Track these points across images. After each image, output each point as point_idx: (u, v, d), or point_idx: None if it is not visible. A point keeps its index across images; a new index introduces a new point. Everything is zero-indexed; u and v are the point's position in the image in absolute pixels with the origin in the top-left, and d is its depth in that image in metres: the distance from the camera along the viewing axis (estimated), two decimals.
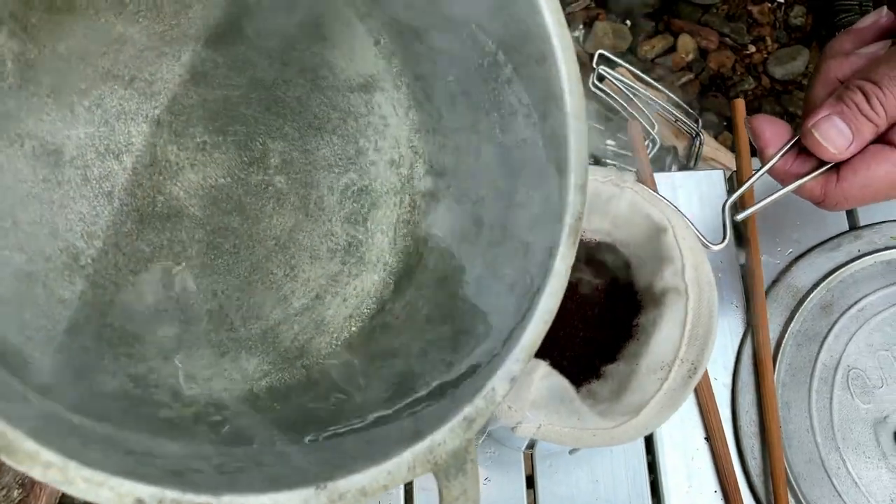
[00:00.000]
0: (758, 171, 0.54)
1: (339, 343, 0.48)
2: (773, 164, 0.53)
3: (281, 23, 0.45)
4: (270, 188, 0.47)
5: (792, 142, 0.53)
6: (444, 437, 0.36)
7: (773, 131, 0.53)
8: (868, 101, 0.49)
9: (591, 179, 0.55)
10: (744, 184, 0.54)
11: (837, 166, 0.52)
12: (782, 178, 0.53)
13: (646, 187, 0.58)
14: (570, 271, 0.39)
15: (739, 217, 0.55)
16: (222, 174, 0.45)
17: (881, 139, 0.51)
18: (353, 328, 0.48)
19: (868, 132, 0.50)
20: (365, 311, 0.49)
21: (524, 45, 0.39)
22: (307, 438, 0.40)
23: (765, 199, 0.54)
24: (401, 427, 0.39)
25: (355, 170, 0.48)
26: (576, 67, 0.39)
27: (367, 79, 0.47)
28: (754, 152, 0.57)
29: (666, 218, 0.56)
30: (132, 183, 0.43)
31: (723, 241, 0.54)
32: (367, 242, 0.49)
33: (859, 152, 0.51)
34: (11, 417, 0.29)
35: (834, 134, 0.50)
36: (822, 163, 0.52)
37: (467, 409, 0.36)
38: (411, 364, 0.44)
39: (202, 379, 0.44)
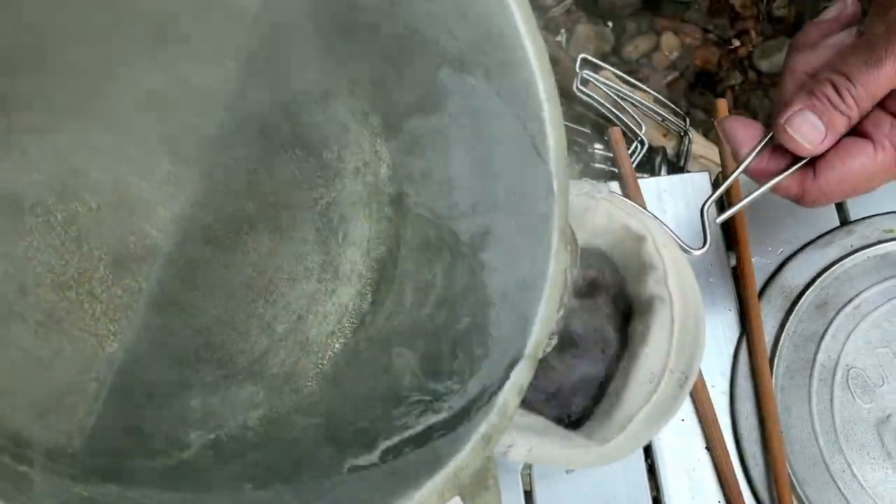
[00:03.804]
0: (733, 172, 0.53)
1: (325, 362, 0.47)
2: (748, 164, 0.52)
3: (236, 37, 0.43)
4: (241, 214, 0.45)
5: (765, 140, 0.52)
6: (467, 458, 0.36)
7: (745, 132, 0.53)
8: (839, 93, 0.48)
9: None
10: (718, 185, 0.54)
11: (813, 162, 0.51)
12: (758, 177, 0.53)
13: (622, 197, 0.57)
14: (566, 274, 0.39)
15: (719, 220, 0.54)
16: (192, 206, 0.44)
17: (854, 131, 0.50)
18: (337, 345, 0.47)
19: (841, 125, 0.49)
20: (346, 326, 0.48)
21: (495, 49, 0.38)
22: (328, 474, 0.39)
23: (742, 199, 0.53)
24: (421, 453, 0.38)
25: (322, 184, 0.47)
26: (550, 71, 0.38)
27: (324, 88, 0.46)
28: None
29: (644, 226, 0.56)
30: (99, 224, 0.41)
31: (703, 245, 0.53)
32: (340, 256, 0.48)
33: (834, 146, 0.50)
34: None
35: (807, 129, 0.49)
36: (797, 159, 0.51)
37: (483, 428, 0.37)
38: (412, 381, 0.43)
39: (194, 420, 0.43)
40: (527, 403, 0.56)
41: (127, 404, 0.41)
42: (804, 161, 0.51)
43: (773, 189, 0.52)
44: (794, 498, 0.60)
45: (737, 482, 0.62)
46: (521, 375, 0.38)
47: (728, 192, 0.67)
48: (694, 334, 0.54)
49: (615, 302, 0.60)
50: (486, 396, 0.38)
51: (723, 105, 0.72)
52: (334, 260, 0.48)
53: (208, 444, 0.42)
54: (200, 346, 0.43)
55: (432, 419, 0.40)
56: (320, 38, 0.45)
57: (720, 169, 0.72)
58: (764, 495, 0.61)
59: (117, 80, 0.41)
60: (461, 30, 0.39)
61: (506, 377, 0.38)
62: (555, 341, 0.41)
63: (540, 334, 0.38)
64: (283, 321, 0.46)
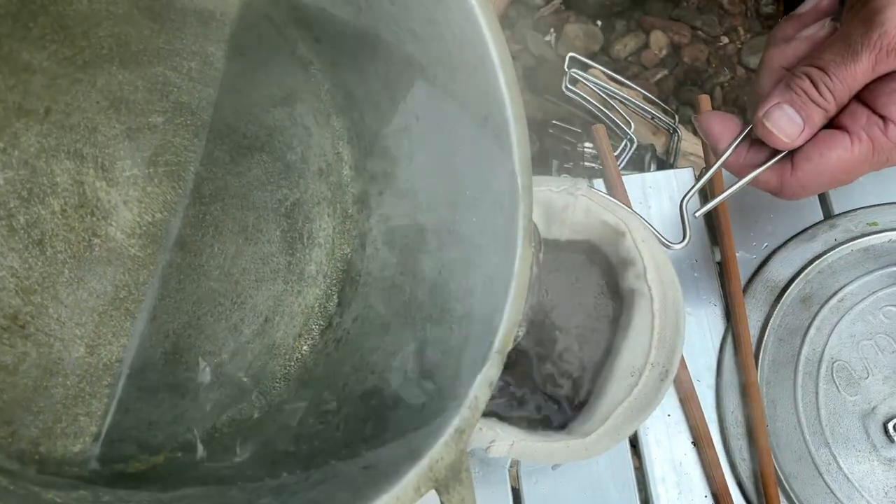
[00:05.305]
0: (713, 166, 0.53)
1: (293, 364, 0.47)
2: (727, 158, 0.52)
3: (196, 38, 0.43)
4: (208, 217, 0.45)
5: (743, 133, 0.52)
6: (441, 452, 0.36)
7: (723, 126, 0.53)
8: (816, 87, 0.48)
9: (546, 190, 0.55)
10: (699, 180, 0.54)
11: (791, 155, 0.51)
12: (737, 170, 0.53)
13: (602, 193, 0.57)
14: (531, 271, 0.39)
15: (698, 213, 0.54)
16: (158, 209, 0.43)
17: (831, 124, 0.50)
18: (304, 347, 0.48)
19: (818, 118, 0.49)
20: (313, 327, 0.48)
21: (459, 51, 0.39)
22: (303, 473, 0.39)
23: (722, 192, 0.53)
24: (394, 449, 0.39)
25: (287, 185, 0.47)
26: (513, 72, 0.38)
27: (287, 91, 0.46)
28: None
29: (622, 221, 0.56)
30: (63, 227, 0.41)
31: (683, 239, 0.53)
32: (305, 257, 0.48)
33: (811, 139, 0.50)
34: None
35: (785, 122, 0.49)
36: (775, 152, 0.51)
37: (456, 421, 0.37)
38: (382, 380, 0.44)
39: (164, 423, 0.43)
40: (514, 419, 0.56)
41: (95, 411, 0.41)
42: (782, 154, 0.51)
43: (753, 182, 0.52)
44: (780, 491, 0.60)
45: (723, 476, 0.61)
46: (491, 370, 0.38)
47: (712, 186, 0.67)
48: (674, 328, 0.54)
49: (608, 295, 0.60)
50: (457, 392, 0.38)
51: (705, 101, 0.72)
52: (300, 261, 0.48)
53: (178, 446, 0.42)
54: (169, 350, 0.43)
55: (405, 416, 0.40)
56: (285, 43, 0.45)
57: (705, 164, 0.72)
58: (750, 489, 0.61)
59: (79, 81, 0.40)
60: (425, 32, 0.39)
61: (476, 372, 0.38)
62: (522, 334, 0.41)
63: (507, 330, 0.38)
64: (249, 323, 0.46)
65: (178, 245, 0.44)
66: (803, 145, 0.50)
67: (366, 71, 0.44)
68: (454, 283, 0.42)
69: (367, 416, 0.42)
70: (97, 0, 0.40)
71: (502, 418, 0.55)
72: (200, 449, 0.42)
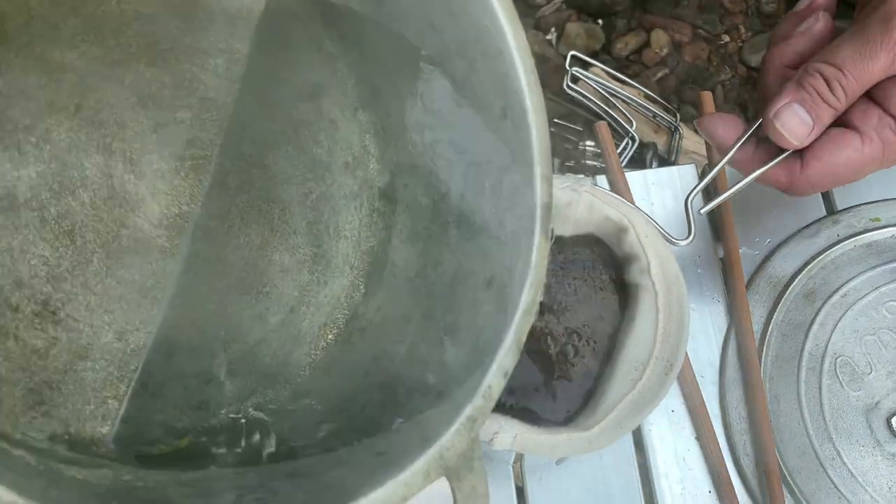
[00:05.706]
0: (717, 164, 0.54)
1: (318, 352, 0.48)
2: (732, 156, 0.53)
3: (223, 36, 0.44)
4: (234, 209, 0.46)
5: (749, 132, 0.52)
6: (452, 439, 0.36)
7: (726, 128, 0.53)
8: (829, 85, 0.49)
9: None
10: (705, 178, 0.54)
11: (800, 151, 0.51)
12: (744, 167, 0.53)
13: (605, 190, 0.58)
14: (546, 262, 0.39)
15: (703, 210, 0.54)
16: (185, 201, 0.44)
17: (841, 121, 0.51)
18: (330, 336, 0.48)
19: (828, 117, 0.50)
20: (339, 317, 0.49)
21: (477, 41, 0.39)
22: (321, 458, 0.40)
23: (728, 189, 0.53)
24: (406, 435, 0.39)
25: (313, 178, 0.48)
26: (531, 62, 0.39)
27: (313, 86, 0.47)
28: None
29: (626, 217, 0.56)
30: (93, 219, 0.42)
31: (688, 236, 0.54)
32: (332, 249, 0.49)
33: (821, 136, 0.50)
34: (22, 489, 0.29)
35: (795, 123, 0.49)
36: (782, 149, 0.52)
37: (468, 410, 0.37)
38: (401, 368, 0.44)
39: (189, 408, 0.43)
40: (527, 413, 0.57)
41: (123, 393, 0.42)
42: (789, 151, 0.52)
43: (762, 179, 0.53)
44: (783, 486, 0.60)
45: (727, 472, 0.62)
46: (506, 360, 0.38)
47: (715, 183, 0.68)
48: (678, 323, 0.54)
49: (611, 290, 0.60)
50: (472, 380, 0.39)
51: (708, 98, 0.72)
52: (326, 252, 0.48)
53: (203, 431, 0.43)
54: (194, 338, 0.44)
55: (420, 404, 0.41)
56: (311, 39, 0.46)
57: (707, 161, 0.73)
58: (754, 484, 0.61)
59: (108, 79, 0.41)
60: (444, 25, 0.40)
61: (491, 362, 0.38)
62: (534, 319, 0.42)
63: (523, 319, 0.39)
64: (275, 312, 0.47)
65: (204, 236, 0.45)
66: (813, 143, 0.51)
67: (389, 65, 0.45)
68: (474, 274, 0.43)
69: (384, 403, 0.43)
70: (126, 1, 0.41)
71: (506, 411, 0.55)
72: (225, 433, 0.43)
